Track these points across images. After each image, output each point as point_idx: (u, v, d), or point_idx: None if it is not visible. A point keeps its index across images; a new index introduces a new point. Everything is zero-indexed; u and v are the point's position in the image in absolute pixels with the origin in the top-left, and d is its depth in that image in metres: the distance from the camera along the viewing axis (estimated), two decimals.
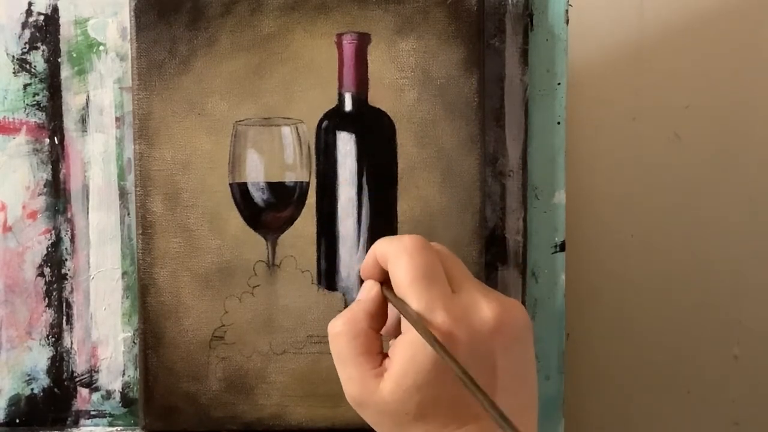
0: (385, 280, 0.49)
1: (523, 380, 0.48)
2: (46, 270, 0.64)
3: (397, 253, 0.47)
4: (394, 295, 0.47)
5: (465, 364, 0.44)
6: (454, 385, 0.45)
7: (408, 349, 0.45)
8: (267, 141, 0.62)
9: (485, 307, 0.46)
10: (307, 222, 0.62)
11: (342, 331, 0.48)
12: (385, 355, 0.48)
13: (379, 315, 0.49)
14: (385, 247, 0.49)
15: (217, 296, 0.62)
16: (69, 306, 0.64)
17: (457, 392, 0.45)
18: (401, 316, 0.47)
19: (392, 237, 0.49)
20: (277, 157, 0.62)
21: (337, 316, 0.49)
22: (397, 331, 0.48)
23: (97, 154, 0.64)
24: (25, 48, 0.64)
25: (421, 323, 0.45)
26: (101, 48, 0.64)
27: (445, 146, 0.62)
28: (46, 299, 0.64)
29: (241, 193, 0.62)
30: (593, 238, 0.87)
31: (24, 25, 0.64)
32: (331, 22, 0.62)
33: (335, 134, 0.62)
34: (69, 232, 0.64)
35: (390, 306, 0.50)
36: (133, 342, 0.64)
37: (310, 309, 0.62)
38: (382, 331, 0.50)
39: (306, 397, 0.62)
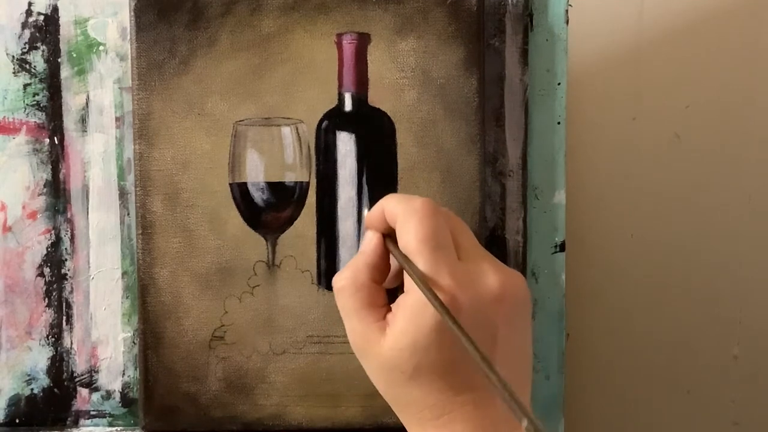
0: (388, 234, 0.49)
1: (520, 353, 0.48)
2: (46, 270, 0.64)
3: (406, 215, 0.47)
4: (399, 251, 0.47)
5: (466, 331, 0.44)
6: (452, 352, 0.45)
7: (410, 310, 0.45)
8: (267, 141, 0.62)
9: (491, 276, 0.46)
10: (307, 222, 0.62)
11: (345, 285, 0.48)
12: (389, 309, 0.48)
13: (381, 267, 0.49)
14: (395, 205, 0.48)
15: (217, 296, 0.62)
16: (69, 306, 0.64)
17: (455, 360, 0.45)
18: (404, 273, 0.47)
19: (403, 196, 0.49)
20: (277, 157, 0.62)
21: (340, 270, 0.49)
22: (395, 281, 0.49)
23: (97, 154, 0.64)
24: (25, 48, 0.64)
25: (424, 282, 0.45)
26: (101, 48, 0.64)
27: (445, 146, 0.62)
28: (46, 299, 0.64)
29: (241, 193, 0.62)
30: (593, 238, 0.87)
31: (24, 25, 0.64)
32: (331, 22, 0.62)
33: (335, 134, 0.62)
34: (69, 232, 0.64)
35: (391, 258, 0.50)
36: (133, 342, 0.64)
37: (310, 309, 0.62)
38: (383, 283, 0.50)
39: (306, 397, 0.62)
